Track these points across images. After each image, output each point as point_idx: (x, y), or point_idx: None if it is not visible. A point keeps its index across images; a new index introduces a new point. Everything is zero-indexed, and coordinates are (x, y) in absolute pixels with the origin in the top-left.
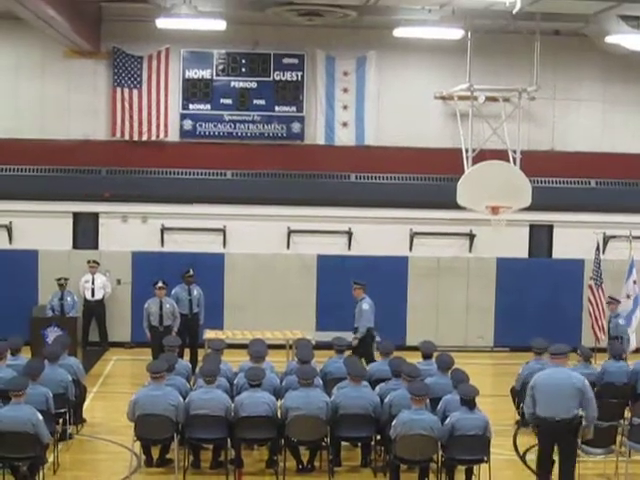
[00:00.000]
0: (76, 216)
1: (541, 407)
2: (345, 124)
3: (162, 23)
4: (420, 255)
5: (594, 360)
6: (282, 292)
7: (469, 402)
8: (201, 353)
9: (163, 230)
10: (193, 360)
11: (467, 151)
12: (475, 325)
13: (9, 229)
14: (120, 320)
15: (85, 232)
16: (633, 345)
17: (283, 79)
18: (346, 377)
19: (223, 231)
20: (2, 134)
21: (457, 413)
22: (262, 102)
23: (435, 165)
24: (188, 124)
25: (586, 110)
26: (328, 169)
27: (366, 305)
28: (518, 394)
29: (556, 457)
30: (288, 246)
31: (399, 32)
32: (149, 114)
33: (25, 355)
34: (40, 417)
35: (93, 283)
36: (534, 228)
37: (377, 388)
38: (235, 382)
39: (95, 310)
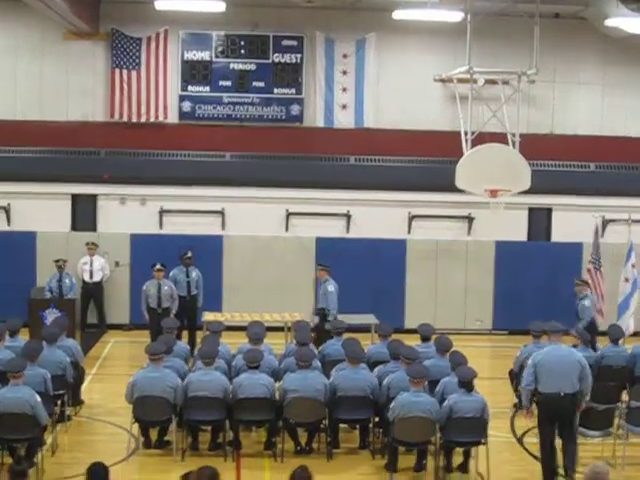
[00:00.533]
0: (74, 198)
1: (545, 384)
2: (344, 106)
3: (161, 5)
4: (419, 238)
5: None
6: (281, 274)
7: (467, 384)
8: (199, 335)
9: (162, 212)
10: (191, 342)
11: (466, 134)
12: (473, 308)
13: (7, 211)
14: (118, 302)
15: (83, 214)
16: (631, 328)
17: (282, 61)
18: (344, 359)
19: (222, 213)
20: (1, 116)
21: (455, 395)
22: (261, 84)
23: (434, 148)
24: (187, 106)
25: (586, 93)
26: (327, 151)
27: (331, 287)
28: (516, 377)
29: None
30: (287, 229)
31: (399, 14)
32: (148, 96)
33: (23, 337)
34: (38, 398)
35: (91, 265)
36: (533, 211)
37: (375, 370)
38: (233, 364)
39: (93, 292)
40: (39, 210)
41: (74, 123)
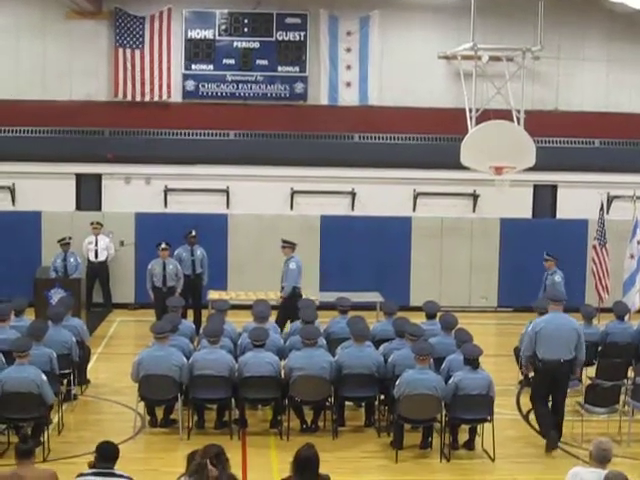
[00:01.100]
0: (79, 177)
1: (545, 350)
2: (348, 84)
3: None
4: (424, 215)
5: (597, 320)
6: None
7: (473, 362)
8: (204, 314)
9: (166, 191)
10: (197, 321)
11: (471, 111)
12: (479, 285)
13: (12, 190)
14: (123, 281)
15: (88, 193)
16: (637, 305)
17: (286, 39)
18: (350, 337)
19: (226, 192)
20: (4, 96)
21: (461, 373)
22: (265, 62)
23: (439, 125)
24: (191, 85)
25: (590, 69)
26: (331, 129)
27: (293, 264)
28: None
29: None
30: (292, 207)
31: None
32: (151, 75)
33: (29, 316)
34: (44, 378)
35: (96, 244)
36: (538, 188)
37: (381, 348)
38: (239, 342)
39: (99, 271)
40: (44, 190)
41: (78, 102)
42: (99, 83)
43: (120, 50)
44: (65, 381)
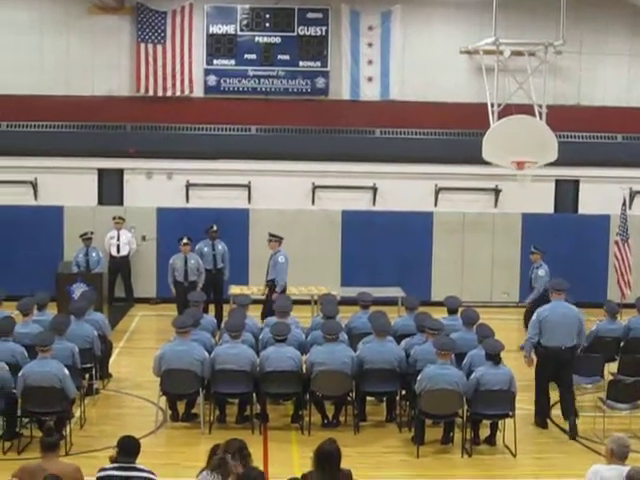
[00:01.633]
0: (101, 172)
1: (549, 337)
2: (370, 79)
3: None
4: (445, 210)
5: (620, 316)
6: (307, 248)
7: (494, 357)
8: (226, 308)
9: (188, 186)
10: (218, 315)
11: (492, 106)
12: (500, 281)
13: (34, 185)
14: (145, 276)
15: (110, 188)
16: None
17: (307, 34)
18: (371, 332)
19: (248, 187)
20: (27, 90)
21: (482, 368)
22: (286, 57)
23: (460, 120)
24: (212, 80)
25: (612, 64)
26: (353, 124)
27: (282, 258)
28: None
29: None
30: (313, 202)
31: None
32: (173, 70)
33: (51, 311)
34: (67, 372)
35: (118, 239)
36: (560, 183)
37: (402, 343)
38: (260, 337)
39: (120, 266)
40: (66, 185)
41: (100, 98)
42: (121, 78)
43: (142, 45)
44: (87, 375)
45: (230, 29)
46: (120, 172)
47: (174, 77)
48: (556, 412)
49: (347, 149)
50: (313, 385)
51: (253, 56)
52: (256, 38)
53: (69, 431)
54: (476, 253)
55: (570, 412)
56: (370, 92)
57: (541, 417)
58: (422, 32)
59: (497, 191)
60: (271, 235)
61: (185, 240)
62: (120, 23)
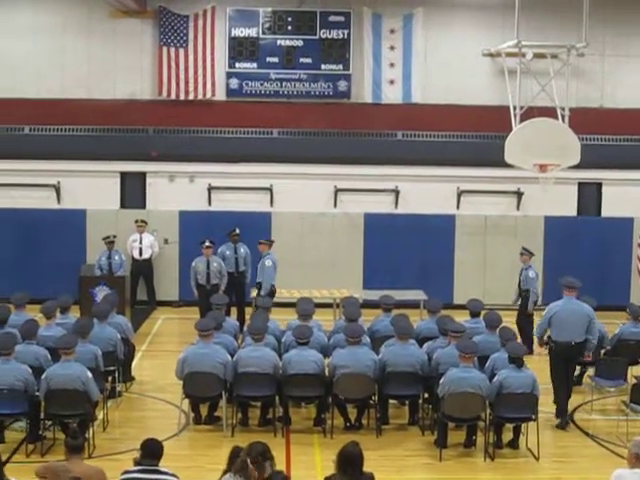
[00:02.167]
0: (123, 176)
1: (558, 333)
2: (392, 82)
3: None
4: (467, 213)
5: None
6: (329, 251)
7: (517, 360)
8: (248, 311)
9: (210, 189)
10: (240, 318)
11: (515, 108)
12: None
13: (57, 189)
14: (168, 279)
15: (132, 192)
16: None
17: (329, 37)
18: (393, 335)
19: (270, 190)
20: (49, 94)
21: (505, 371)
22: (308, 60)
23: (482, 122)
24: (234, 83)
25: (636, 66)
26: (375, 127)
27: (269, 261)
28: None
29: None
30: (335, 205)
31: None
32: (195, 73)
33: (74, 314)
34: (90, 375)
35: (141, 242)
36: (583, 186)
37: (425, 346)
38: (283, 340)
39: (143, 269)
40: (88, 188)
41: (122, 101)
42: (143, 82)
43: (164, 49)
44: (110, 378)
45: (252, 32)
46: (142, 175)
47: (196, 80)
48: (579, 415)
49: (369, 152)
50: (336, 388)
51: (275, 59)
52: (278, 41)
53: (92, 434)
54: (498, 256)
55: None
56: (392, 95)
57: (560, 412)
58: (444, 35)
59: (519, 194)
60: (263, 239)
61: (207, 243)
62: (142, 27)
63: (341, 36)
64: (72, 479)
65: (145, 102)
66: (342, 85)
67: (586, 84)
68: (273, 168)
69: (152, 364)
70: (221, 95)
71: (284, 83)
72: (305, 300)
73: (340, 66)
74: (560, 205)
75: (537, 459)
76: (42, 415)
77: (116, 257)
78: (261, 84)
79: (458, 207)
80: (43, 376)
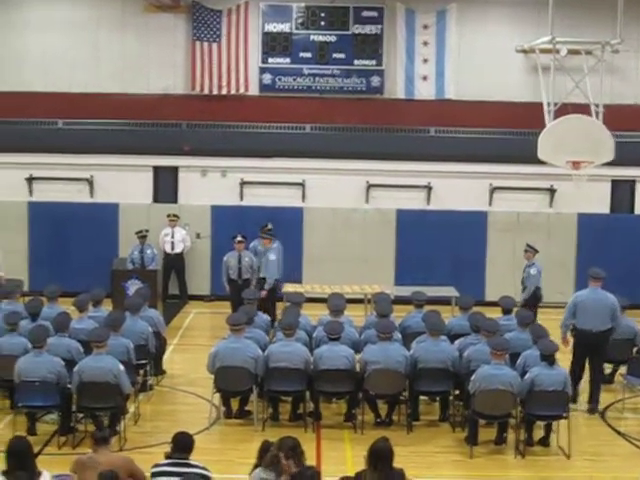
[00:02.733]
0: (156, 170)
1: (582, 321)
2: (425, 78)
3: None
4: (500, 210)
5: None
6: (361, 246)
7: (549, 357)
8: (279, 307)
9: (242, 184)
10: (271, 313)
11: (548, 105)
12: (555, 281)
13: (90, 183)
14: (199, 273)
15: (165, 186)
16: None
17: (362, 32)
18: (425, 331)
19: (302, 185)
20: (83, 88)
21: (537, 368)
22: (341, 56)
23: (516, 119)
24: (267, 78)
25: None
26: (408, 123)
27: (273, 256)
28: None
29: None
30: (367, 200)
31: None
32: (228, 68)
33: (106, 307)
34: (122, 368)
35: (173, 237)
36: (616, 183)
37: (456, 343)
38: (314, 335)
39: (175, 263)
40: (121, 182)
41: (155, 96)
42: (176, 76)
43: (197, 44)
44: (141, 371)
45: (285, 27)
46: (175, 170)
47: (229, 75)
48: (611, 413)
49: (402, 148)
50: (366, 384)
51: (308, 54)
52: (311, 36)
53: (123, 427)
54: None
55: (596, 396)
56: (425, 91)
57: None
58: (477, 31)
59: (552, 191)
60: (265, 232)
61: (239, 238)
62: (176, 21)
63: (374, 31)
64: (104, 473)
65: (178, 97)
66: (375, 81)
67: (620, 81)
68: (305, 163)
69: (183, 358)
70: (254, 90)
71: (317, 78)
72: (336, 296)
73: (373, 62)
74: (593, 202)
75: (568, 457)
76: (74, 408)
77: (148, 251)
78: (294, 79)
79: (490, 204)
80: (75, 369)
